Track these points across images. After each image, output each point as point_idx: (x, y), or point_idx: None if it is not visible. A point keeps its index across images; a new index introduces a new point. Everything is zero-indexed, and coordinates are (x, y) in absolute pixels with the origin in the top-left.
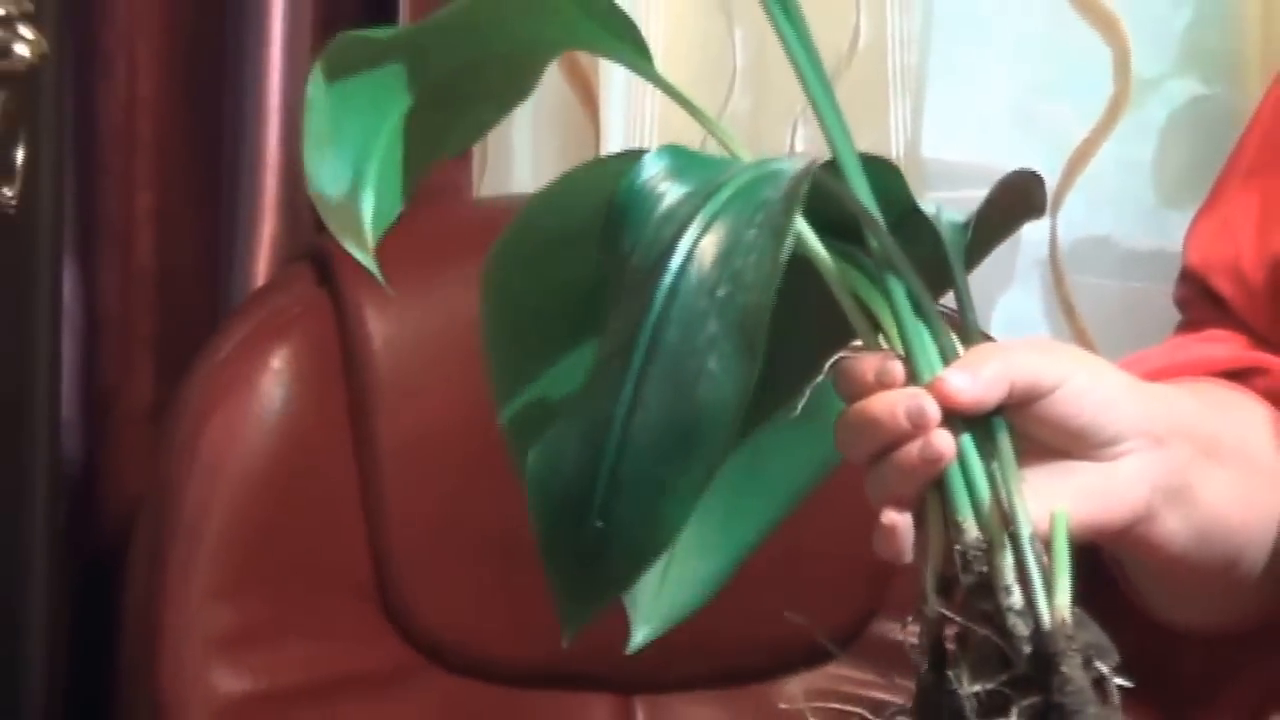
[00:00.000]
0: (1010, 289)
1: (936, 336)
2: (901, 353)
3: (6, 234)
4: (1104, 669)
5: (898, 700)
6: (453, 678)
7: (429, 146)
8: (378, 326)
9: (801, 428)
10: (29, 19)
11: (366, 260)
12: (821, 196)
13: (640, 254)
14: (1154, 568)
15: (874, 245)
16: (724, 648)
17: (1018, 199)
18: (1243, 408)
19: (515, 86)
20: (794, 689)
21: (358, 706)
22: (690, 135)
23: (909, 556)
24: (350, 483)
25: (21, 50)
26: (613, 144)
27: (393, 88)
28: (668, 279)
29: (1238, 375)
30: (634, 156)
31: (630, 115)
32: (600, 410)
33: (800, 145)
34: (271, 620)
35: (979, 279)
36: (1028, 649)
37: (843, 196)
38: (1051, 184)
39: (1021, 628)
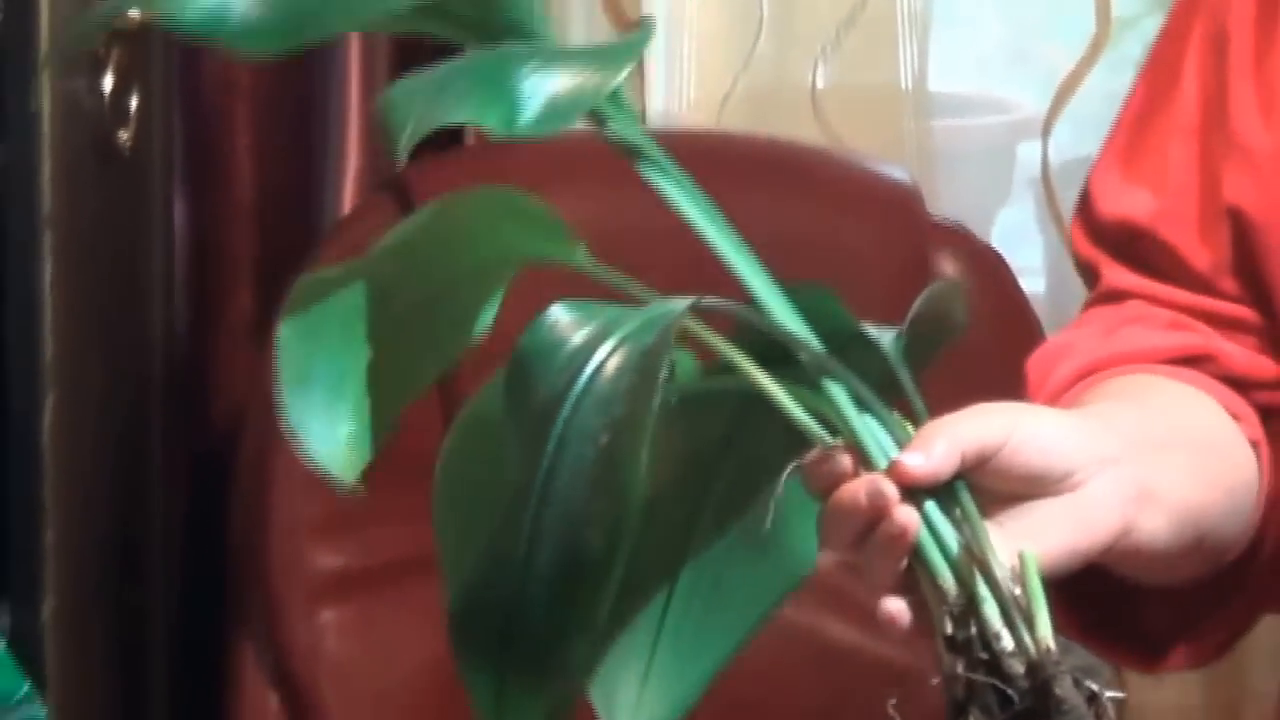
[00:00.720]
0: (1008, 205)
1: (886, 425)
2: (856, 445)
3: (123, 172)
4: (1094, 687)
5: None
6: None
7: (404, 377)
8: None
9: (761, 552)
10: None
11: (354, 485)
12: (760, 335)
13: (542, 399)
14: (1138, 565)
15: (805, 359)
16: None
17: (943, 306)
18: (1185, 397)
19: (476, 308)
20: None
21: (437, 582)
22: (722, 79)
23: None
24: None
25: (132, 11)
26: (655, 83)
27: (360, 319)
28: (559, 427)
29: (1186, 361)
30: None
31: (670, 57)
32: (505, 552)
33: (821, 83)
34: (362, 506)
35: (981, 196)
36: (1025, 684)
37: (765, 328)
38: (1042, 111)
39: (1017, 667)
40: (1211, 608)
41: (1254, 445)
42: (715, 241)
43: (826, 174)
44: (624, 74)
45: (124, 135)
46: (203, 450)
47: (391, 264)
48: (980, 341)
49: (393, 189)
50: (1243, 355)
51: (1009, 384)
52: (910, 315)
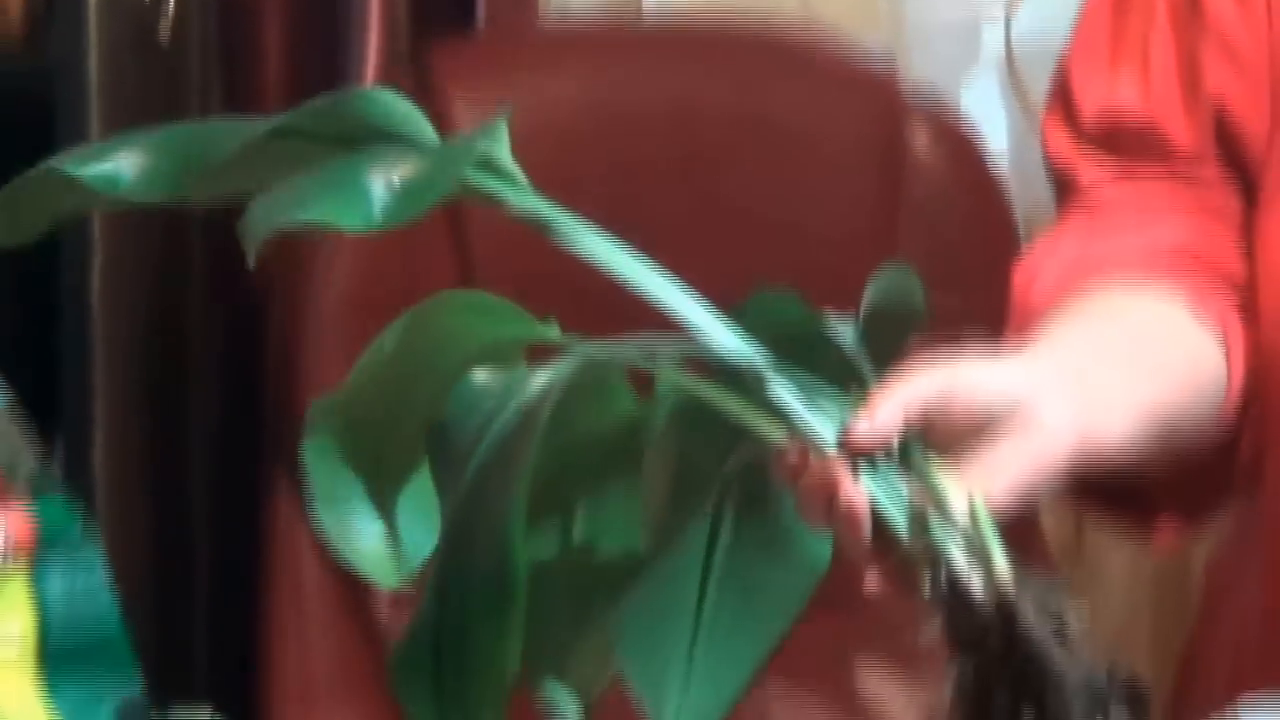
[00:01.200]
0: (975, 78)
1: (833, 404)
2: (807, 436)
3: (161, 62)
4: (1056, 609)
5: None
6: None
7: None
8: (465, 119)
9: (780, 555)
10: None
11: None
12: (723, 369)
13: (459, 450)
14: (1113, 466)
15: (743, 369)
16: None
17: (899, 295)
18: (1145, 302)
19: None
20: None
21: None
22: None
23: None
24: (447, 264)
25: None
26: None
27: (371, 436)
28: (470, 473)
29: (1162, 262)
30: None
31: None
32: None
33: None
34: None
35: (949, 70)
36: (996, 621)
37: (707, 354)
38: None
39: (987, 606)
40: (1205, 481)
41: (1221, 337)
42: (638, 280)
43: (810, 52)
44: (475, 156)
45: (163, 28)
46: (239, 307)
47: (381, 381)
48: (953, 203)
49: (411, 64)
50: (1217, 252)
51: (982, 243)
52: (866, 305)
